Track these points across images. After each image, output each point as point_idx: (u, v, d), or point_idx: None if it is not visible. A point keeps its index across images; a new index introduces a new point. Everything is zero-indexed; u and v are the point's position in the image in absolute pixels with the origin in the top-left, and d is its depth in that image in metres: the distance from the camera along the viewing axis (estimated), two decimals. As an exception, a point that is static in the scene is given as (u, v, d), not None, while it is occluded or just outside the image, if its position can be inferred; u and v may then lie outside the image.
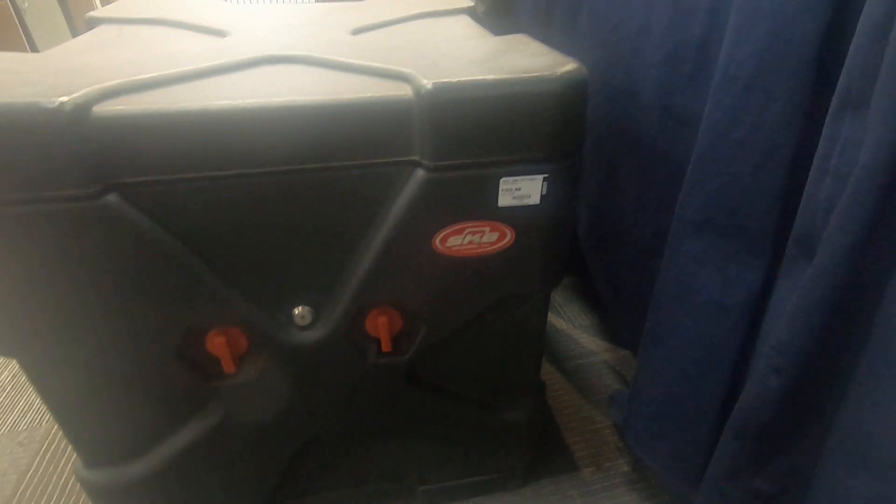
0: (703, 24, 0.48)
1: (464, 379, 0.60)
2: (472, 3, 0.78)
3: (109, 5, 0.75)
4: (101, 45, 0.59)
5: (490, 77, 0.41)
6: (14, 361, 0.54)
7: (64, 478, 0.73)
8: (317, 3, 0.86)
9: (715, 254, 0.47)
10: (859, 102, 0.33)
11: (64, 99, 0.36)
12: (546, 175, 0.44)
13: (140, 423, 0.53)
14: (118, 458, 0.55)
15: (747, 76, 0.40)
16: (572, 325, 1.01)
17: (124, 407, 0.51)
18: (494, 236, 0.47)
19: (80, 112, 0.36)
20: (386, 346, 0.52)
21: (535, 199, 0.45)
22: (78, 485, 0.68)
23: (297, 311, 0.49)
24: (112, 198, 0.39)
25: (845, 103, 0.34)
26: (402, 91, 0.41)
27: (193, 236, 0.42)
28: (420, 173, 0.43)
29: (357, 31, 0.65)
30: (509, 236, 0.47)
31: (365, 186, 0.43)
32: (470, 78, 0.40)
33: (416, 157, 0.42)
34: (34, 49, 2.58)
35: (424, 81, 0.40)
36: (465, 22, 0.70)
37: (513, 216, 0.46)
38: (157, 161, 0.39)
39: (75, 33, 2.86)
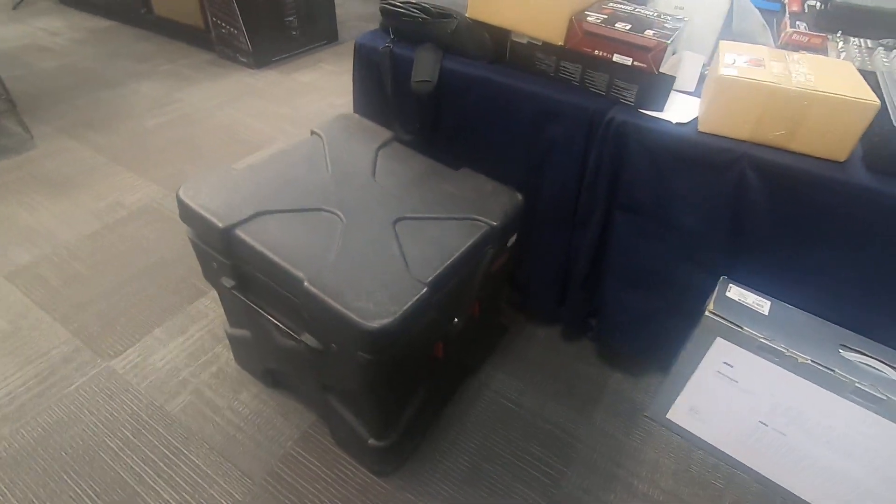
0: (542, 154, 1.34)
1: (490, 316, 1.41)
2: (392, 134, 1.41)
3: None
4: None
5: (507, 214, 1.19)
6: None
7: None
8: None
9: (556, 227, 1.40)
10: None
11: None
12: (516, 233, 1.27)
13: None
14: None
15: (563, 177, 1.30)
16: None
17: (406, 393, 1.14)
18: (505, 258, 1.28)
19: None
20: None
21: (513, 242, 1.28)
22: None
23: (455, 320, 1.19)
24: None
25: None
26: (484, 226, 1.15)
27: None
28: (491, 251, 1.19)
29: (398, 206, 1.26)
30: (507, 256, 1.29)
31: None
32: (499, 222, 1.17)
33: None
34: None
35: (494, 223, 1.15)
36: (421, 158, 1.37)
37: (511, 248, 1.28)
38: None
39: None
